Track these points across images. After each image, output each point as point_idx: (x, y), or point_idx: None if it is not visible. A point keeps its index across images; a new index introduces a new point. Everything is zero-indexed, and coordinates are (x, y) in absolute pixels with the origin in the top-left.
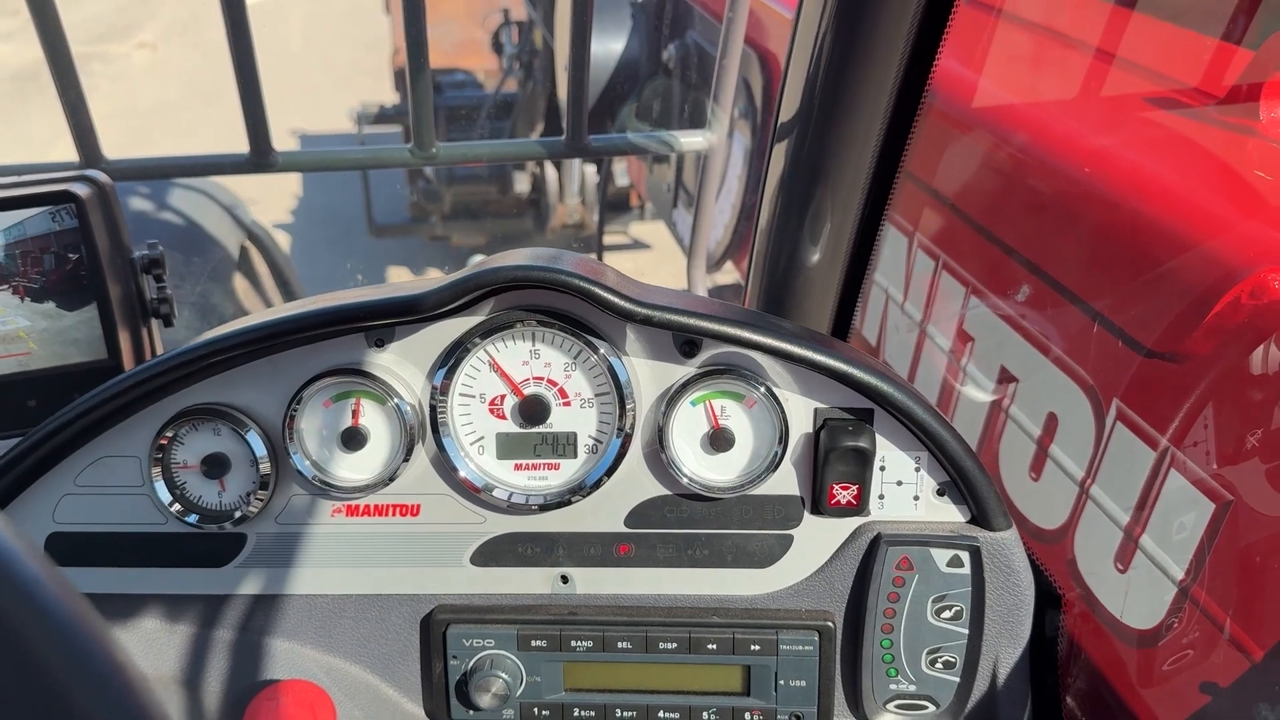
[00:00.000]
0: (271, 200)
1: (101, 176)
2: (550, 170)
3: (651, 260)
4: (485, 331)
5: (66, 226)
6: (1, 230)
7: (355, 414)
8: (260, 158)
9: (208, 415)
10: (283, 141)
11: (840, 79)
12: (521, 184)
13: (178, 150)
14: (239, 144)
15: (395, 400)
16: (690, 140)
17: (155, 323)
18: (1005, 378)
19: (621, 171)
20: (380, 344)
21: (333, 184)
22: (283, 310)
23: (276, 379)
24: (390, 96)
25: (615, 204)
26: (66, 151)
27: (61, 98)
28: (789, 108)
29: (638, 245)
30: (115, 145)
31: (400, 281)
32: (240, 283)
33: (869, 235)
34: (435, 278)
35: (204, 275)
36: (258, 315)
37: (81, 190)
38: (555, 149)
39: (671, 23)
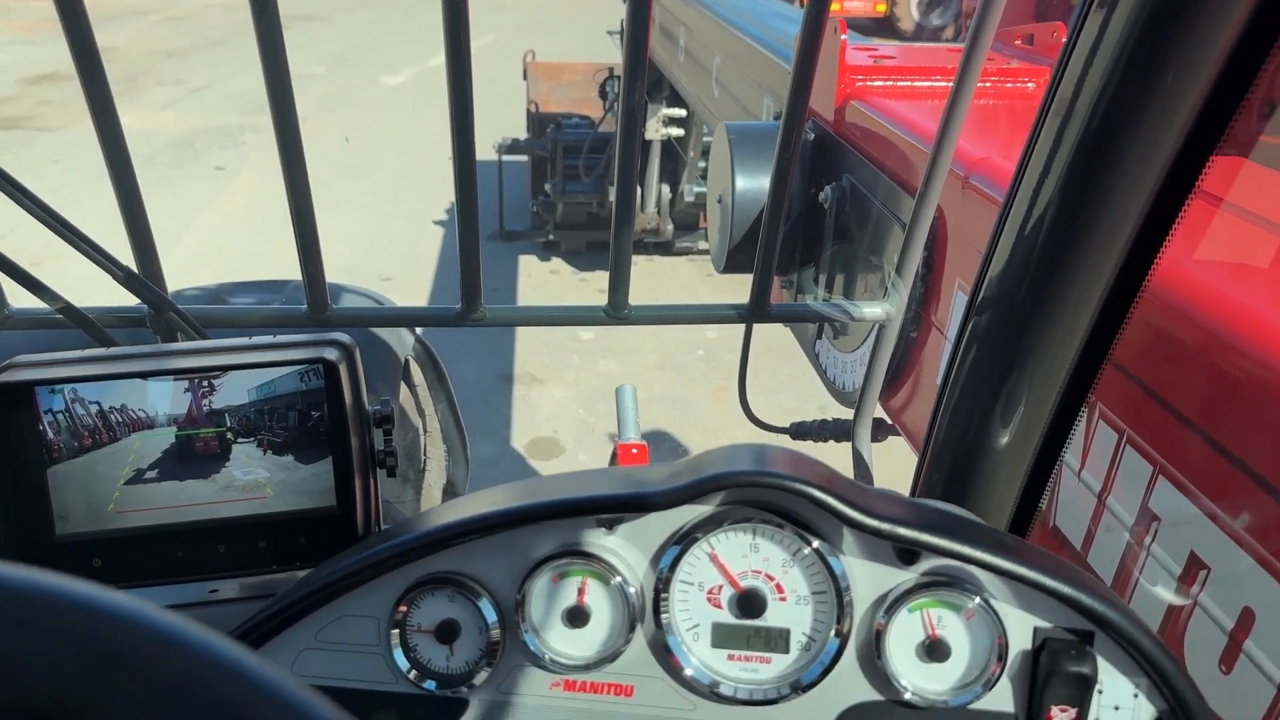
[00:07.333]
0: (433, 211)
1: (346, 338)
2: (636, 188)
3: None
4: (710, 525)
5: (312, 387)
6: (255, 388)
7: (581, 592)
8: (469, 312)
9: (446, 583)
10: (445, 152)
11: (1052, 271)
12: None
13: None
14: (389, 224)
15: (619, 581)
16: (871, 311)
17: (381, 473)
18: (1195, 564)
19: (689, 191)
20: (609, 527)
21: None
22: (523, 494)
23: (511, 553)
24: (522, 134)
25: (687, 223)
26: (214, 219)
27: (299, 249)
28: (990, 289)
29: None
30: (269, 215)
31: (630, 470)
32: (404, 394)
33: (1064, 426)
34: (664, 469)
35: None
36: (498, 494)
37: (332, 355)
38: (742, 313)
39: (828, 164)
